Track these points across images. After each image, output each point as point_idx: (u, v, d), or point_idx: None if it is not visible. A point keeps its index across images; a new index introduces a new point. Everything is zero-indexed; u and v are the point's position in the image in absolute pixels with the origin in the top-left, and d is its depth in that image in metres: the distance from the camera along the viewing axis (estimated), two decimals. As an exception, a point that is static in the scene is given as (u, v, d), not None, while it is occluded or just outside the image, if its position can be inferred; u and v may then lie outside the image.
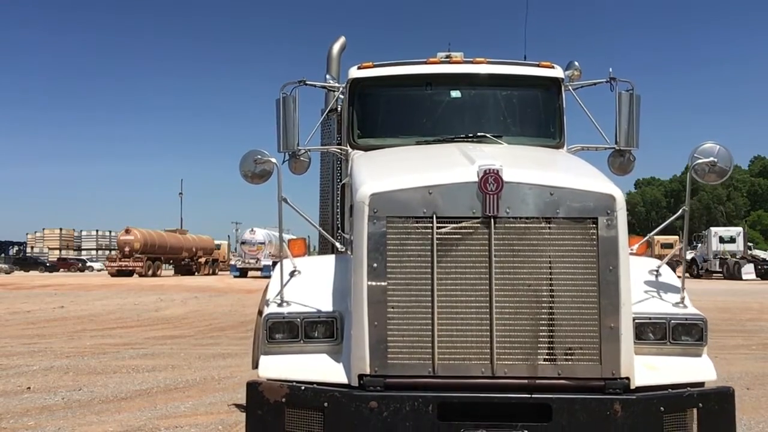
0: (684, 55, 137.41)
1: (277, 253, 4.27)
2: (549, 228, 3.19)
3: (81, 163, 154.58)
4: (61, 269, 64.90)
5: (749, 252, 44.69)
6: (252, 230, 45.88)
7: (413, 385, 3.12)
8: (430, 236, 3.17)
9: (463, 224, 3.17)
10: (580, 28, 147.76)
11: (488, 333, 3.12)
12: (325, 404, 3.08)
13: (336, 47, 6.42)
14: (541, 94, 5.17)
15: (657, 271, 3.79)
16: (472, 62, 5.15)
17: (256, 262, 43.72)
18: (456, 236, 3.17)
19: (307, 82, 5.11)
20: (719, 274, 42.19)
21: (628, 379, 3.14)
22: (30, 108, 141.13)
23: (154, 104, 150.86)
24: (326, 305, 3.50)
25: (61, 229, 79.70)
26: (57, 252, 75.26)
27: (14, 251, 70.39)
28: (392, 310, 3.16)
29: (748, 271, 39.71)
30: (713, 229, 46.48)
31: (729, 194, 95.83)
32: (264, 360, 3.43)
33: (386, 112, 5.31)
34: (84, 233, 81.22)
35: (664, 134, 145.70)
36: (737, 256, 42.22)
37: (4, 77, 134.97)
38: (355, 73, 5.10)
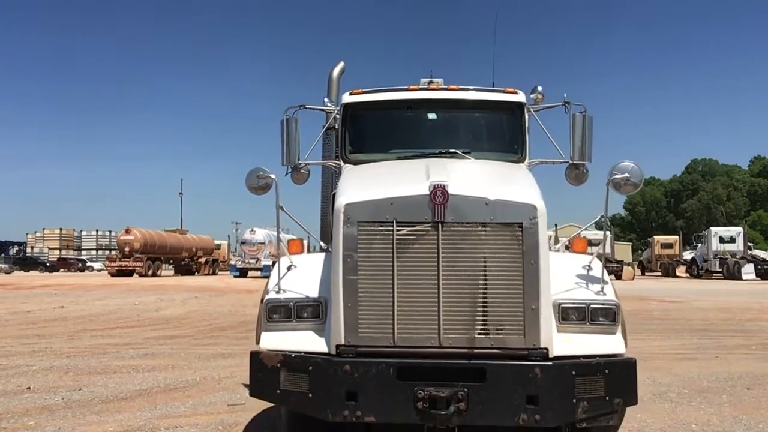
0: (684, 55, 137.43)
1: (286, 253, 4.87)
2: (485, 231, 3.99)
3: (81, 163, 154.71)
4: (61, 269, 64.92)
5: (749, 252, 44.68)
6: (252, 230, 45.88)
7: (378, 353, 3.93)
8: (391, 237, 3.99)
9: (417, 228, 3.99)
10: (576, 30, 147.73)
11: (436, 313, 3.93)
12: (310, 368, 3.91)
13: (336, 71, 7.36)
14: (505, 116, 5.99)
15: (588, 265, 4.53)
16: (446, 89, 6.05)
17: (256, 262, 43.72)
18: (412, 237, 4.00)
19: (306, 107, 6.01)
20: (719, 274, 42.19)
21: (546, 349, 3.92)
22: (30, 108, 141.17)
23: (154, 104, 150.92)
24: (314, 292, 4.34)
25: (61, 229, 79.73)
26: (57, 252, 75.29)
27: (14, 251, 70.46)
28: (362, 295, 3.98)
29: (748, 271, 39.70)
30: (713, 229, 46.49)
31: (729, 194, 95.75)
32: (264, 335, 4.27)
33: (373, 132, 6.16)
34: (84, 233, 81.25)
35: (664, 134, 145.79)
36: (737, 256, 42.21)
37: (4, 77, 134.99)
38: (347, 98, 6.00)
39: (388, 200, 4.07)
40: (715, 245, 43.94)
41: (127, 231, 48.60)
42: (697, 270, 45.59)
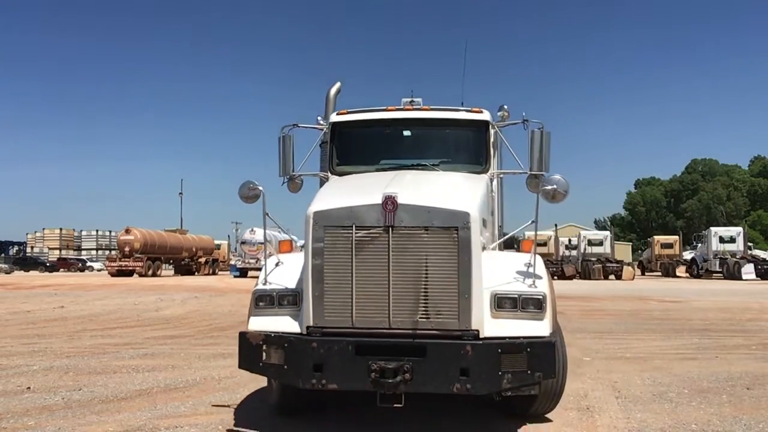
0: (684, 54, 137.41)
1: (276, 252, 5.75)
2: (427, 233, 4.77)
3: (81, 163, 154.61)
4: (61, 269, 64.89)
5: (749, 252, 44.68)
6: (252, 230, 45.77)
7: (339, 333, 4.74)
8: (351, 239, 4.79)
9: (372, 231, 4.79)
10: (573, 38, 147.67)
11: (387, 301, 4.73)
12: (285, 345, 4.76)
13: (332, 91, 8.20)
14: (471, 133, 6.74)
15: (529, 263, 5.13)
16: (420, 109, 6.86)
17: (256, 262, 43.59)
18: (367, 239, 4.79)
19: (299, 125, 6.94)
20: (719, 274, 42.17)
21: (477, 330, 4.68)
22: (30, 108, 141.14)
23: (155, 104, 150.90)
24: (293, 284, 5.18)
25: (61, 229, 79.69)
26: (57, 252, 75.24)
27: (14, 251, 70.38)
28: (327, 286, 4.82)
29: (748, 271, 39.66)
30: (713, 229, 46.47)
31: (729, 194, 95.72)
32: (252, 319, 5.18)
33: (357, 147, 7.01)
34: (84, 233, 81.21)
35: (664, 134, 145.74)
36: (737, 256, 42.18)
37: (4, 77, 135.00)
38: (334, 118, 6.89)
39: (349, 208, 4.90)
40: (715, 245, 43.91)
41: (127, 231, 48.59)
42: (697, 270, 45.56)
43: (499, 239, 6.74)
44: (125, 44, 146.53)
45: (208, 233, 60.38)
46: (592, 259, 44.08)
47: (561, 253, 46.77)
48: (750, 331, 11.96)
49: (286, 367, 4.76)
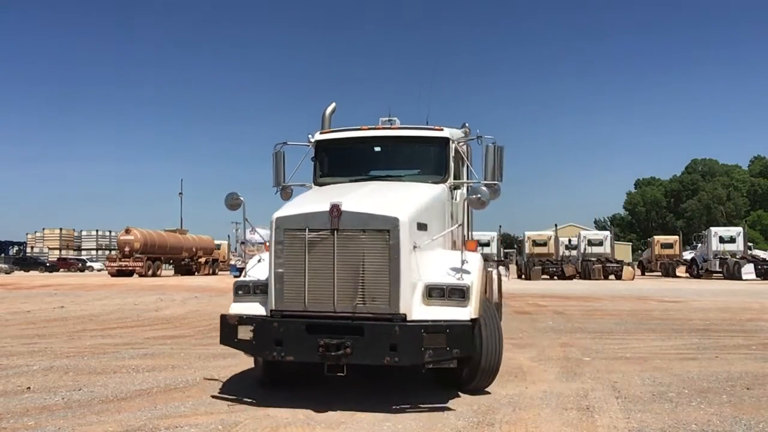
0: (684, 54, 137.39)
1: (263, 251, 6.73)
2: (364, 235, 5.84)
3: (81, 163, 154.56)
4: (61, 269, 64.85)
5: (749, 252, 44.61)
6: (252, 230, 45.70)
7: (295, 315, 5.88)
8: (304, 239, 5.91)
9: (321, 233, 5.88)
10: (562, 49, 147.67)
11: (332, 289, 5.81)
12: (254, 325, 5.95)
13: (328, 110, 9.07)
14: (432, 148, 7.77)
15: (464, 259, 6.11)
16: (389, 128, 7.97)
17: (256, 262, 43.59)
18: (317, 239, 5.89)
19: (288, 143, 8.17)
20: (719, 274, 42.11)
21: (405, 314, 5.71)
22: (30, 108, 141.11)
23: (155, 104, 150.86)
24: (265, 277, 6.29)
25: (61, 229, 79.61)
26: (57, 252, 75.18)
27: (14, 251, 70.26)
28: (286, 277, 5.95)
29: (748, 271, 39.59)
30: (713, 229, 46.39)
31: (729, 194, 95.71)
32: (232, 305, 6.39)
33: (335, 161, 8.08)
34: (84, 233, 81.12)
35: (664, 134, 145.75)
36: (737, 256, 42.13)
37: (4, 77, 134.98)
38: (317, 136, 8.05)
39: (303, 215, 6.04)
40: (715, 245, 43.85)
41: (127, 231, 48.57)
42: (697, 270, 45.50)
43: (466, 239, 7.68)
44: (125, 44, 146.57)
45: (208, 233, 60.33)
46: (592, 259, 44.03)
47: (561, 253, 46.72)
48: (750, 331, 11.96)
49: (254, 342, 5.96)
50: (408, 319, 5.70)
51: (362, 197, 6.37)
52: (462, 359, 5.98)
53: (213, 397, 6.42)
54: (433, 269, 6.09)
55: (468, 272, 6.02)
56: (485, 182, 7.26)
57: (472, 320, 5.78)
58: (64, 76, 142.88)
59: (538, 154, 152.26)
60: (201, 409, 5.92)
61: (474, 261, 6.27)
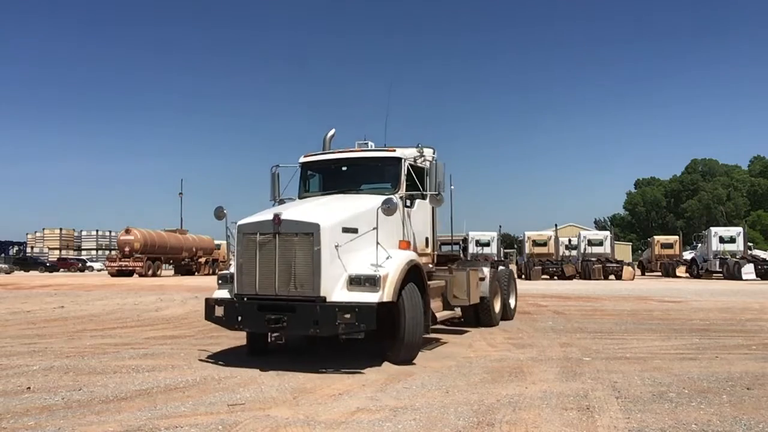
0: (684, 54, 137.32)
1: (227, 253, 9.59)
2: (296, 237, 7.71)
3: (81, 163, 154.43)
4: (61, 269, 64.83)
5: (749, 252, 44.53)
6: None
7: (250, 297, 7.90)
8: (256, 241, 7.88)
9: (266, 236, 7.82)
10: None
11: (275, 278, 7.75)
12: (224, 305, 8.08)
13: (328, 135, 10.76)
14: (387, 166, 9.59)
15: (388, 255, 7.92)
16: (355, 150, 9.96)
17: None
18: (265, 241, 7.82)
19: (280, 165, 10.14)
20: (719, 274, 42.05)
21: (325, 297, 7.53)
22: (30, 108, 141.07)
23: (155, 104, 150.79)
24: None
25: (61, 229, 79.56)
26: (57, 252, 75.14)
27: (14, 251, 70.22)
28: (243, 269, 7.99)
29: (748, 271, 39.52)
30: (713, 229, 46.32)
31: (729, 194, 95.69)
32: (216, 291, 8.53)
33: (313, 179, 10.22)
34: (84, 233, 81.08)
35: (665, 134, 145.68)
36: (737, 256, 42.09)
37: (4, 77, 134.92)
38: (302, 159, 10.18)
39: (255, 222, 8.07)
40: (715, 245, 43.79)
41: (127, 231, 48.53)
42: (697, 270, 45.45)
43: (401, 239, 9.20)
44: (125, 44, 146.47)
45: (208, 233, 60.19)
46: (592, 259, 43.98)
47: (561, 253, 46.69)
48: (750, 331, 11.95)
49: (224, 318, 8.11)
50: (327, 301, 7.51)
51: (301, 208, 8.37)
52: (388, 335, 7.96)
53: (213, 397, 6.41)
54: (358, 263, 7.84)
55: (382, 267, 7.73)
56: (430, 192, 9.38)
57: (381, 303, 7.47)
58: (65, 76, 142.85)
59: (539, 154, 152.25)
60: (201, 409, 5.92)
61: (397, 257, 8.09)
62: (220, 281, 8.51)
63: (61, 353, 9.23)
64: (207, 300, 8.39)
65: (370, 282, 7.56)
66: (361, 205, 8.50)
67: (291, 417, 5.58)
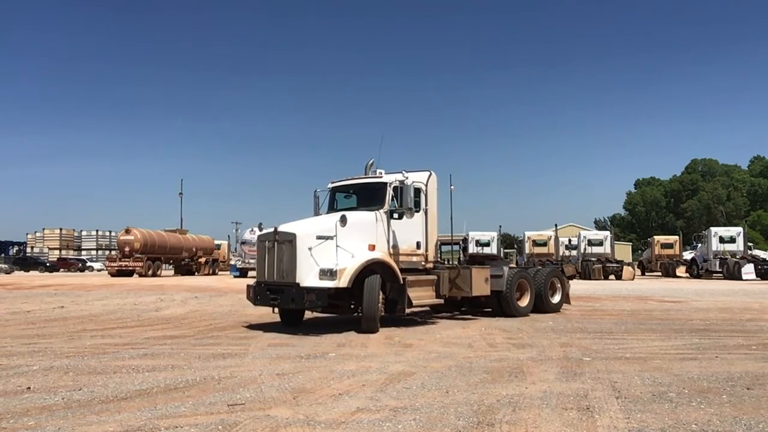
0: (684, 55, 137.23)
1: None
2: (285, 243, 11.41)
3: (81, 163, 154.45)
4: (61, 269, 64.80)
5: (749, 252, 44.54)
6: (252, 230, 45.48)
7: (263, 283, 11.87)
8: (266, 246, 11.84)
9: (269, 242, 11.73)
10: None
11: (273, 270, 11.60)
12: (250, 287, 12.29)
13: (368, 164, 13.51)
14: (376, 188, 12.62)
15: (352, 254, 11.32)
16: (358, 177, 13.30)
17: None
18: (270, 245, 11.70)
19: (318, 191, 13.83)
20: (719, 274, 42.05)
21: (299, 283, 11.11)
22: (30, 108, 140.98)
23: (155, 104, 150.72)
24: None
25: (61, 229, 79.55)
26: (57, 252, 75.13)
27: (14, 251, 70.27)
28: (259, 264, 12.21)
29: (748, 271, 39.51)
30: (713, 229, 46.31)
31: (729, 194, 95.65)
32: (249, 280, 13.65)
33: (333, 199, 13.53)
34: (84, 233, 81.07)
35: (665, 134, 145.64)
36: (737, 256, 42.08)
37: (4, 77, 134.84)
38: (330, 184, 13.59)
39: (265, 233, 11.99)
40: (715, 245, 43.78)
41: (127, 231, 48.48)
42: (697, 270, 45.44)
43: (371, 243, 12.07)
44: (125, 43, 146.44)
45: (208, 233, 60.29)
46: (592, 259, 43.96)
47: (561, 253, 46.70)
48: (750, 331, 11.95)
49: (251, 295, 12.09)
50: (301, 286, 10.99)
51: (295, 222, 11.98)
52: (353, 308, 11.80)
53: (213, 397, 6.41)
54: (328, 260, 11.19)
55: (347, 263, 11.19)
56: (404, 208, 12.16)
57: (336, 288, 10.92)
58: (64, 75, 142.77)
59: (539, 153, 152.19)
60: (201, 409, 5.91)
61: (359, 256, 11.41)
62: (249, 273, 13.06)
63: (61, 353, 9.23)
64: (247, 285, 12.40)
65: (330, 273, 10.97)
66: (333, 219, 11.72)
67: (291, 417, 5.58)
